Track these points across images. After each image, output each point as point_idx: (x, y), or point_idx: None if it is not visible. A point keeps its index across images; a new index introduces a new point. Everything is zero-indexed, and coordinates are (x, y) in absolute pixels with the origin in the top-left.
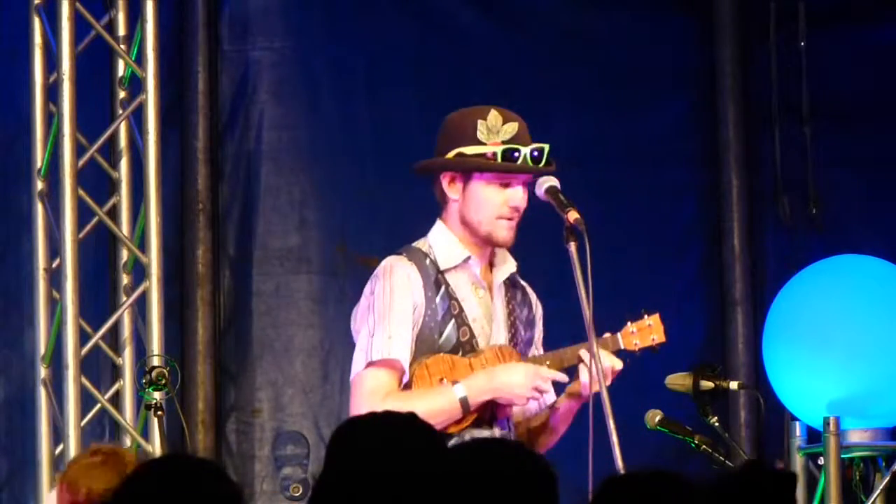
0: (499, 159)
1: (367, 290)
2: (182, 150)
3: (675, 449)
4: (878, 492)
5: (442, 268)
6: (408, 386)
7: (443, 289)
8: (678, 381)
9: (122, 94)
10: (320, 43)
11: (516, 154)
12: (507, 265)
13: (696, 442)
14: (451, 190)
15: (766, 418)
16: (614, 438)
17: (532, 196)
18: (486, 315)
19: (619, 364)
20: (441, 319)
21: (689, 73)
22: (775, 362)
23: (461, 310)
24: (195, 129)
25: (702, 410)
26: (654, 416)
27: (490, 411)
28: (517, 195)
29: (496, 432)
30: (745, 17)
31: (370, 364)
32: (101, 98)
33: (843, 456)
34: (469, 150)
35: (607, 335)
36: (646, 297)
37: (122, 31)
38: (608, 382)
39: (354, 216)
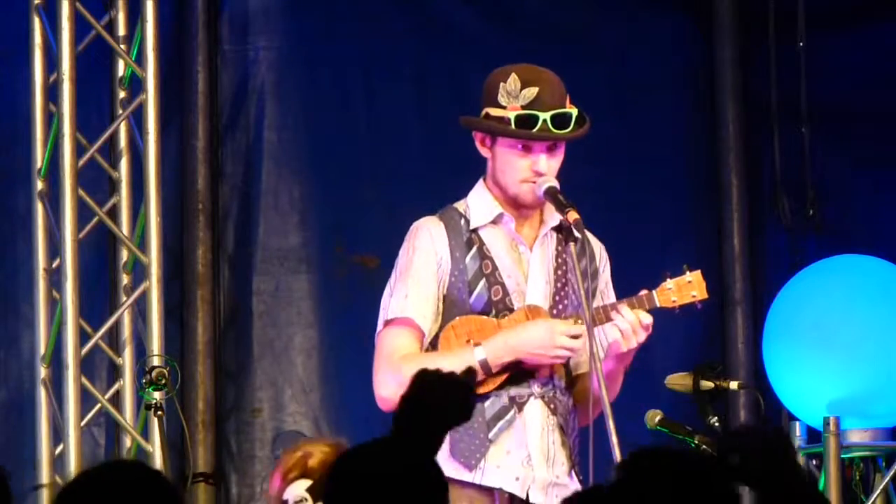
0: (513, 125)
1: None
2: (182, 150)
3: None
4: (878, 492)
5: (473, 225)
6: (434, 347)
7: (475, 248)
8: (678, 381)
9: (122, 94)
10: (320, 43)
11: (532, 120)
12: (555, 215)
13: (696, 442)
14: (483, 149)
15: (766, 418)
16: (614, 439)
17: None
18: (524, 272)
19: (647, 318)
20: (471, 278)
21: (689, 73)
22: (775, 362)
23: (494, 268)
24: (195, 129)
25: (702, 410)
26: (654, 416)
27: (527, 368)
28: (540, 160)
29: (535, 389)
30: (745, 17)
31: (387, 323)
32: (101, 98)
33: (843, 456)
34: (493, 112)
35: (643, 292)
36: None
37: (122, 31)
38: (641, 338)
39: (354, 216)
